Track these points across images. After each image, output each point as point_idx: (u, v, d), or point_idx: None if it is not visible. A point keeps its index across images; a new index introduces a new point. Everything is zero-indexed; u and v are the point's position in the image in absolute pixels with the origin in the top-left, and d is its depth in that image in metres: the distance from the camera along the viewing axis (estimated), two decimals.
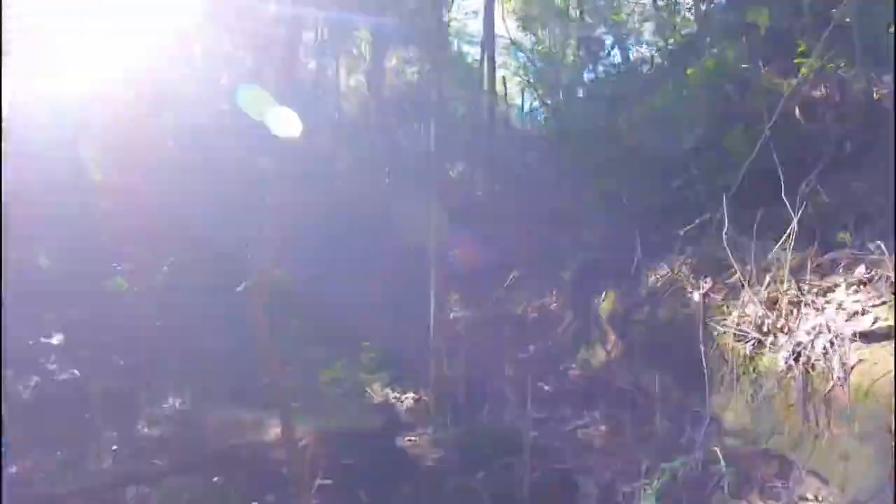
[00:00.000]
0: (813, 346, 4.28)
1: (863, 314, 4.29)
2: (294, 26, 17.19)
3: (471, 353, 7.21)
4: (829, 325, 4.31)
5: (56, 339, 9.34)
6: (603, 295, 6.65)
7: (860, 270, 4.71)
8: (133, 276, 10.41)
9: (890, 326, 4.12)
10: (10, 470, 6.54)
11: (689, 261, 5.63)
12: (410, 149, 21.24)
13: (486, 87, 22.42)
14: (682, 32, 16.82)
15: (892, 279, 4.50)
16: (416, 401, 7.58)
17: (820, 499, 4.10)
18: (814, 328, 4.36)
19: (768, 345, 4.39)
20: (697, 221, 6.15)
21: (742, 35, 11.33)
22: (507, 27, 26.20)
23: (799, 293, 4.61)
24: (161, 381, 9.19)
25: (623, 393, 5.54)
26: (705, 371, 4.72)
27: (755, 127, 8.24)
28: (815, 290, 4.70)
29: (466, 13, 28.66)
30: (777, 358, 4.39)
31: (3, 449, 6.30)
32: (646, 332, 5.59)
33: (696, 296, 5.20)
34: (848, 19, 9.26)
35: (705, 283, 5.28)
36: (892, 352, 3.98)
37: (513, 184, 17.90)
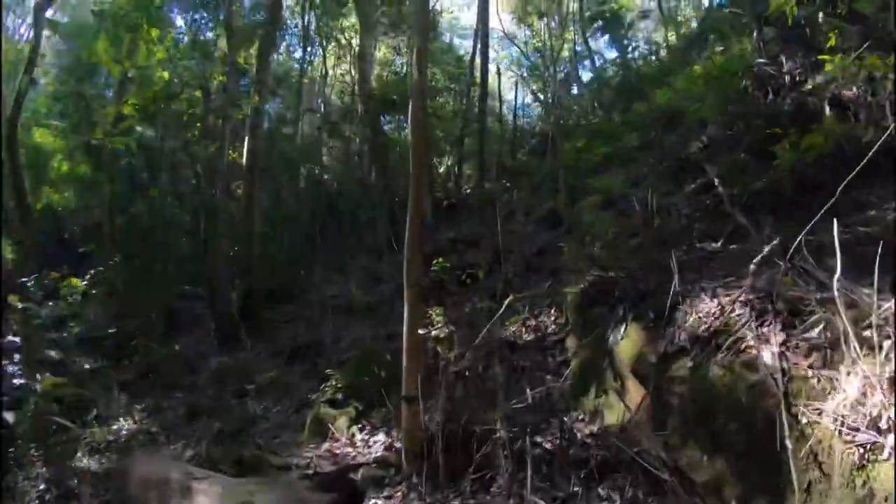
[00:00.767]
0: None
1: None
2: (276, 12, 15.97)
3: (451, 388, 5.77)
4: None
5: None
6: (622, 329, 5.24)
7: None
8: None
9: None
10: None
11: (749, 298, 4.11)
12: (397, 142, 19.76)
13: (478, 80, 21.04)
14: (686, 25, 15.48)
15: None
16: (387, 448, 6.13)
17: None
18: None
19: (889, 449, 2.83)
20: (761, 251, 4.61)
21: (754, 28, 10.06)
22: (500, 20, 24.87)
23: None
24: None
25: (651, 473, 4.08)
26: (788, 474, 3.16)
27: (774, 126, 6.93)
28: None
29: (459, 5, 27.34)
30: None
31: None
32: (689, 396, 4.04)
33: (767, 355, 3.66)
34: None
35: (775, 333, 3.75)
36: None
37: (504, 180, 16.45)
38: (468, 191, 22.14)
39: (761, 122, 8.07)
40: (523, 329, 7.42)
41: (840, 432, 2.94)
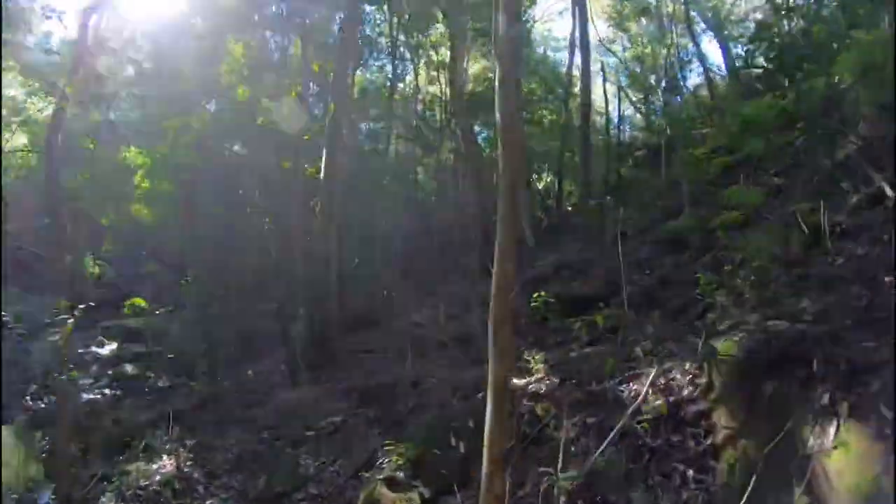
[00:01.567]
0: None
1: None
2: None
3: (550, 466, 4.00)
4: None
5: None
6: (832, 428, 3.23)
7: None
8: None
9: None
10: None
11: None
12: (493, 160, 18.09)
13: (577, 91, 19.14)
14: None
15: None
16: None
17: None
18: None
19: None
20: None
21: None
22: (595, 27, 22.64)
23: None
24: None
25: None
26: None
27: None
28: None
29: (551, 14, 25.39)
30: None
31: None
32: None
33: None
34: None
35: None
36: None
37: (610, 196, 14.44)
38: (569, 209, 20.18)
39: None
40: (650, 389, 5.43)
41: None
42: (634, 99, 23.38)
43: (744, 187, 9.39)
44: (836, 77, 8.38)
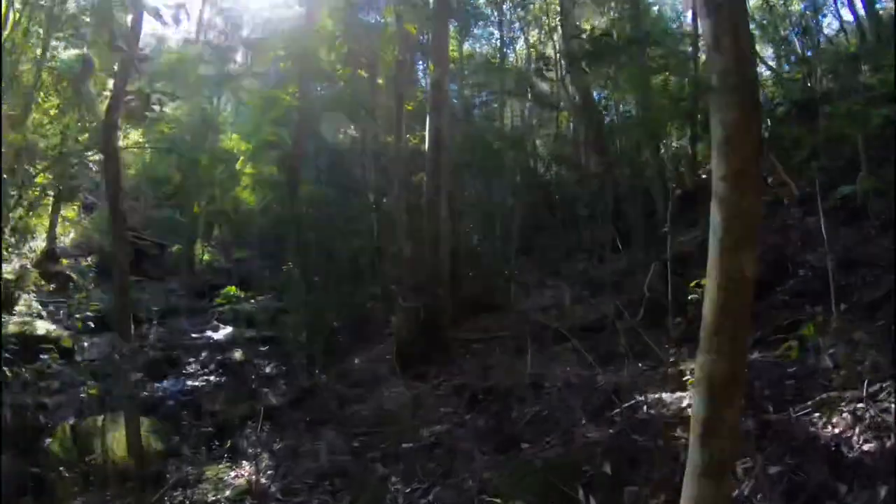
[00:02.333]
0: None
1: None
2: None
3: None
4: None
5: None
6: None
7: None
8: None
9: None
10: None
11: None
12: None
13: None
14: None
15: None
16: None
17: None
18: None
19: None
20: None
21: None
22: None
23: None
24: None
25: None
26: None
27: None
28: None
29: None
30: None
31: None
32: None
33: None
34: None
35: None
36: None
37: None
38: (703, 176, 17.50)
39: None
40: (854, 426, 3.53)
41: None
42: (769, 49, 20.16)
43: None
44: None
